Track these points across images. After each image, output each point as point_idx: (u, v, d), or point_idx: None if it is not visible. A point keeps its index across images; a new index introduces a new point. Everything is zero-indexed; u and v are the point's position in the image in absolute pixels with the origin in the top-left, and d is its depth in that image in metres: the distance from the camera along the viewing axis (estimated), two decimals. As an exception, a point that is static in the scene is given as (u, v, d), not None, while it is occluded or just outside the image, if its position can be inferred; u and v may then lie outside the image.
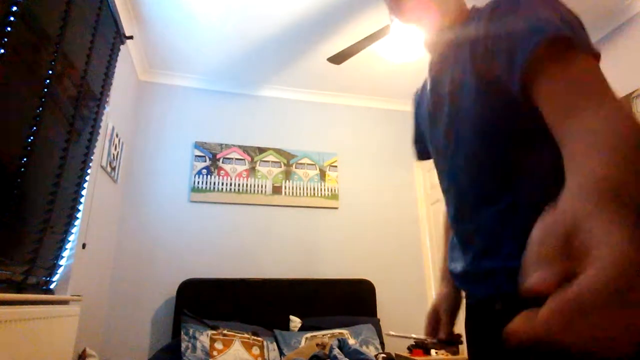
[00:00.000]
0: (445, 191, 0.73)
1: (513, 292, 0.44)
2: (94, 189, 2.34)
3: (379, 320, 2.98)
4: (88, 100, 2.03)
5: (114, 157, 2.66)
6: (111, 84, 2.40)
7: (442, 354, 2.82)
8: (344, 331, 2.70)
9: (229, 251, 3.07)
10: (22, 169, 1.41)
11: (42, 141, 1.57)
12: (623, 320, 0.29)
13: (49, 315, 1.61)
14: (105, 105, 2.38)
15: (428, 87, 0.77)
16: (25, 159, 1.41)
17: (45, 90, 1.49)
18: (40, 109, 1.47)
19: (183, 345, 2.37)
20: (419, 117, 0.89)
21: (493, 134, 0.59)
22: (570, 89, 0.46)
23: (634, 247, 0.30)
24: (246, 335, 2.51)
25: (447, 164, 0.70)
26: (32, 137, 1.45)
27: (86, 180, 2.15)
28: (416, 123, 0.91)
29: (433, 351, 2.81)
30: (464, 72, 0.62)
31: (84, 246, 2.18)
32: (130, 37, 2.53)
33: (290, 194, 3.30)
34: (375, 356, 1.94)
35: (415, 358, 2.71)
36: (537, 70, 0.49)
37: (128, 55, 2.86)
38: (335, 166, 3.48)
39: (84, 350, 2.21)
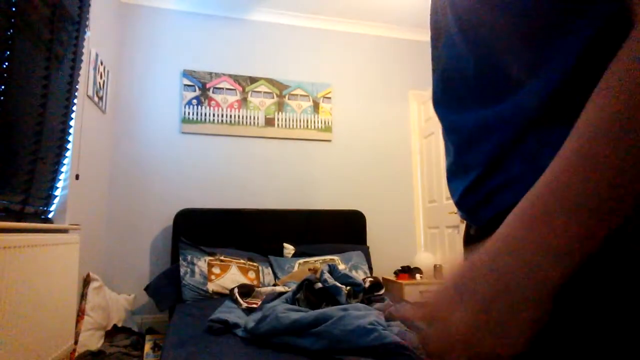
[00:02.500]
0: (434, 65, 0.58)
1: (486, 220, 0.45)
2: (82, 119, 2.30)
3: (368, 247, 3.13)
4: (65, 22, 1.91)
5: (100, 87, 2.57)
6: (89, 4, 2.24)
7: (426, 279, 3.01)
8: (335, 257, 2.85)
9: (223, 182, 3.11)
10: (2, 97, 1.37)
11: (19, 67, 1.50)
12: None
13: (50, 242, 1.67)
14: (86, 30, 2.24)
15: None
16: (3, 87, 1.36)
17: (13, 9, 1.38)
18: (11, 30, 1.38)
19: (182, 270, 2.50)
20: None
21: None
22: None
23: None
24: (242, 261, 2.65)
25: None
26: (7, 62, 1.39)
27: (73, 111, 2.10)
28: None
29: (418, 275, 3.00)
30: None
31: (77, 177, 2.20)
32: (105, -49, 2.31)
33: (283, 126, 3.26)
34: (363, 280, 2.07)
35: (401, 282, 2.91)
36: None
37: (105, -27, 2.63)
38: (329, 97, 3.40)
39: (88, 275, 2.33)
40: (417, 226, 3.48)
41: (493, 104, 0.44)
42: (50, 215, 1.97)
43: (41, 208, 1.85)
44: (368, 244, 3.29)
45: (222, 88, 3.18)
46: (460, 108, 0.50)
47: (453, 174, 0.54)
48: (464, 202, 0.51)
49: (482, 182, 0.46)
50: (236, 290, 2.14)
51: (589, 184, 0.28)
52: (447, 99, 0.54)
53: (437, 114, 0.57)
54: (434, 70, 0.58)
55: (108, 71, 2.74)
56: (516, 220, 0.31)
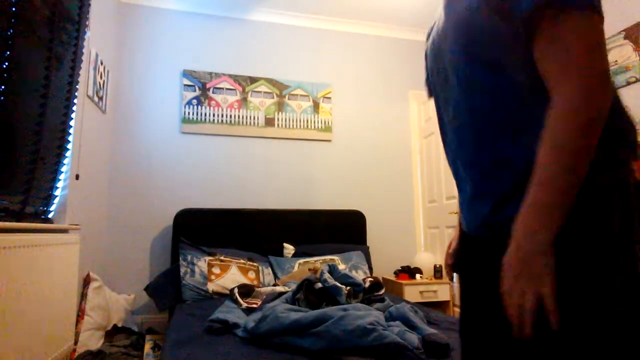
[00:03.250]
0: (447, 123, 0.77)
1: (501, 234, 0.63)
2: (82, 119, 2.30)
3: (368, 247, 3.13)
4: (65, 22, 1.91)
5: (100, 86, 2.57)
6: (89, 4, 2.24)
7: (426, 279, 3.02)
8: (335, 257, 2.85)
9: (223, 182, 3.11)
10: (2, 97, 1.37)
11: (19, 67, 1.49)
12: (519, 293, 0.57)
13: (50, 242, 1.67)
14: (86, 30, 2.24)
15: (438, 18, 0.80)
16: (3, 87, 1.36)
17: (13, 9, 1.38)
18: (11, 30, 1.38)
19: (182, 270, 2.50)
20: (426, 56, 0.90)
21: (497, 64, 0.64)
22: (556, 52, 0.56)
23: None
24: (242, 261, 2.65)
25: (453, 94, 0.73)
26: (7, 62, 1.39)
27: (73, 110, 2.10)
28: (427, 60, 0.92)
29: (418, 275, 3.00)
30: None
31: (77, 177, 2.20)
32: (105, -49, 2.31)
33: (283, 126, 3.26)
34: (363, 280, 2.07)
35: (401, 282, 2.91)
36: (536, 20, 0.58)
37: (105, -27, 2.63)
38: (329, 97, 3.40)
39: (88, 275, 2.33)
40: (417, 226, 3.48)
41: (505, 146, 0.65)
42: (50, 215, 1.97)
43: (41, 208, 1.85)
44: (368, 244, 3.29)
45: (222, 88, 3.18)
46: (477, 147, 0.69)
47: (471, 204, 0.72)
48: (491, 220, 0.68)
49: (506, 204, 0.65)
50: (236, 290, 2.14)
51: (543, 205, 0.57)
52: (464, 140, 0.72)
53: (452, 154, 0.78)
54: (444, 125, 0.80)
55: (108, 71, 2.74)
56: (518, 222, 0.59)
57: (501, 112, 0.64)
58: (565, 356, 0.56)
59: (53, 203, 1.98)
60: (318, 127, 3.34)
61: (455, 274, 0.92)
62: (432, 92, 0.93)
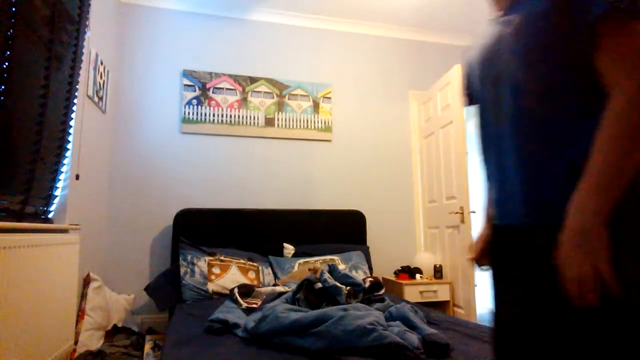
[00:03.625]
0: (497, 120, 0.82)
1: (557, 224, 0.67)
2: (82, 119, 2.30)
3: (368, 247, 3.13)
4: (65, 22, 1.91)
5: (100, 86, 2.57)
6: (89, 4, 2.24)
7: (426, 279, 3.02)
8: (335, 257, 2.85)
9: (223, 182, 3.11)
10: (2, 97, 1.37)
11: (19, 67, 1.49)
12: (579, 266, 0.62)
13: (50, 242, 1.67)
14: (86, 30, 2.24)
15: (486, 33, 0.88)
16: (3, 87, 1.35)
17: (14, 9, 1.38)
18: (11, 30, 1.38)
19: (182, 270, 2.50)
20: (470, 65, 0.97)
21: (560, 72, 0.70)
22: (618, 53, 0.65)
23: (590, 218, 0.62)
24: (242, 261, 2.65)
25: (505, 95, 0.79)
26: (7, 62, 1.38)
27: (73, 110, 2.10)
28: (472, 69, 0.99)
29: (418, 275, 3.00)
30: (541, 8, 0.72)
31: (77, 177, 2.20)
32: (105, -49, 2.31)
33: (283, 126, 3.26)
34: (363, 280, 2.07)
35: (401, 282, 2.91)
36: (602, 26, 0.65)
37: (105, -27, 2.63)
38: (329, 97, 3.40)
39: (88, 275, 2.33)
40: (417, 226, 3.48)
41: (563, 135, 0.72)
42: (50, 215, 1.97)
43: (41, 208, 1.85)
44: (368, 244, 3.29)
45: (222, 88, 3.18)
46: (535, 137, 0.75)
47: (519, 195, 0.77)
48: (546, 205, 0.73)
49: (563, 189, 0.70)
50: (236, 290, 2.14)
51: (594, 196, 0.63)
52: (520, 133, 0.77)
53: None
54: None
55: (108, 71, 2.74)
56: (574, 200, 0.66)
57: (558, 103, 0.71)
58: (621, 328, 0.61)
59: (53, 203, 1.98)
60: (318, 127, 3.34)
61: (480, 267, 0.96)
62: (472, 99, 1.00)
